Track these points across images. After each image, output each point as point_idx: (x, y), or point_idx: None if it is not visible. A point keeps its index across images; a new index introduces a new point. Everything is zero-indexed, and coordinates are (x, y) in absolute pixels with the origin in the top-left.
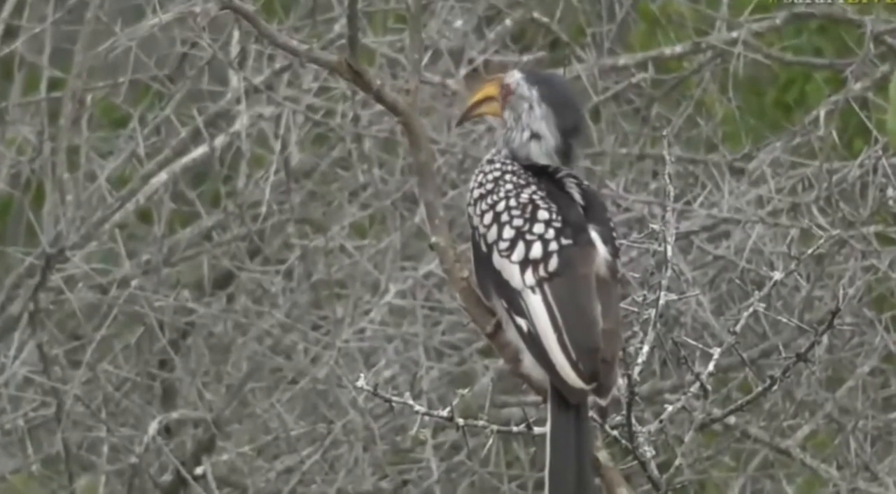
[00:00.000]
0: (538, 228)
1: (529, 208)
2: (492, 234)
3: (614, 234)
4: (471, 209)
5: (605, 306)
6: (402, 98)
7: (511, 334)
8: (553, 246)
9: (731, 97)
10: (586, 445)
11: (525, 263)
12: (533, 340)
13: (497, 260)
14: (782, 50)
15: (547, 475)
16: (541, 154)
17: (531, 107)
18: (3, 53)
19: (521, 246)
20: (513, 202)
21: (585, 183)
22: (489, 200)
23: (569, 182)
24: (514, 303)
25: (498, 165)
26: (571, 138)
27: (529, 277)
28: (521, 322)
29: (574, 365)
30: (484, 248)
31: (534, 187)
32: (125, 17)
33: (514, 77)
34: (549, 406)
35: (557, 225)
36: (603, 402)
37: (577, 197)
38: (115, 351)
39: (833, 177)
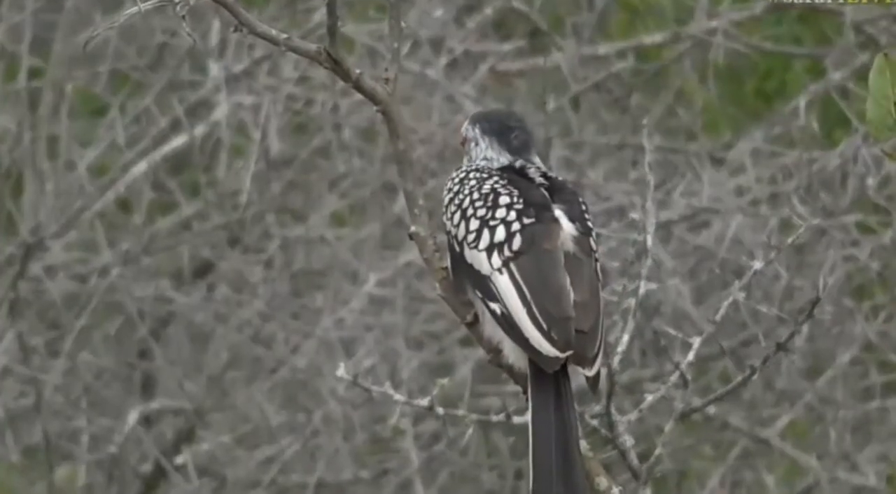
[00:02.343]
0: (500, 213)
1: (491, 196)
2: (461, 230)
3: (586, 215)
4: (444, 216)
5: (576, 279)
6: (382, 87)
7: (488, 326)
8: (515, 226)
9: (710, 86)
10: (570, 431)
11: (491, 248)
12: (506, 320)
13: (468, 253)
14: (762, 39)
15: (530, 461)
16: (492, 160)
17: (476, 143)
18: None
19: (486, 233)
20: (476, 195)
21: (551, 173)
22: (456, 200)
23: (531, 169)
24: (486, 290)
25: (463, 167)
26: (521, 155)
27: (496, 260)
28: (495, 306)
29: (546, 335)
30: (457, 247)
31: (496, 177)
32: (104, 6)
33: (464, 125)
34: (529, 393)
35: (519, 206)
36: (588, 373)
37: (541, 180)
38: (94, 341)
39: (813, 167)
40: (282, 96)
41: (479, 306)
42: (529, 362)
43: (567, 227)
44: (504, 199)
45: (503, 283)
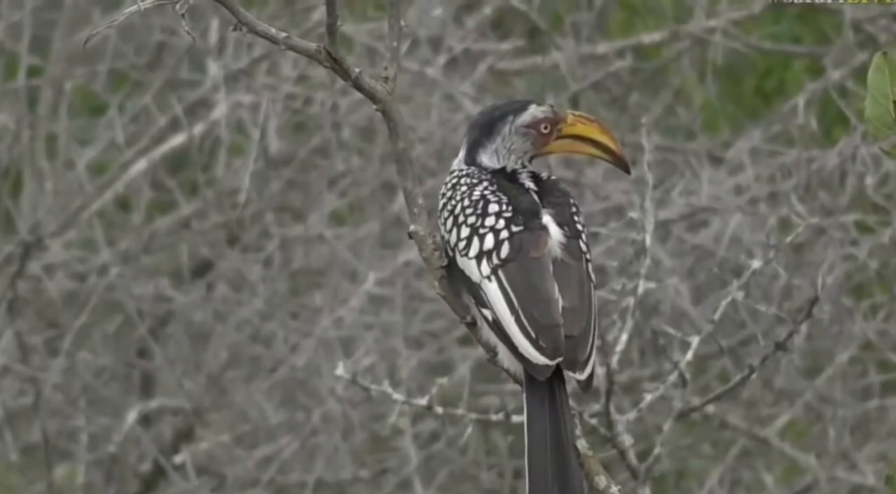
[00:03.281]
0: (489, 221)
1: (481, 204)
2: (453, 237)
3: (576, 218)
4: (439, 220)
5: (564, 285)
6: (381, 86)
7: (484, 330)
8: (504, 234)
9: (709, 85)
10: (564, 433)
11: (480, 256)
12: (497, 326)
13: (460, 260)
14: (761, 38)
15: (526, 463)
16: (459, 161)
17: None
18: None
19: (475, 241)
20: (466, 202)
21: (545, 174)
22: (449, 206)
23: (523, 174)
24: (478, 296)
25: (455, 172)
26: (470, 154)
27: (485, 267)
28: (486, 312)
29: (534, 343)
30: (450, 252)
31: (485, 183)
32: (103, 4)
33: None
34: (524, 395)
35: (508, 214)
36: (580, 377)
37: (531, 185)
38: (93, 340)
39: (812, 166)
40: (281, 95)
41: (474, 311)
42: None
43: (555, 234)
44: (493, 207)
45: (492, 291)
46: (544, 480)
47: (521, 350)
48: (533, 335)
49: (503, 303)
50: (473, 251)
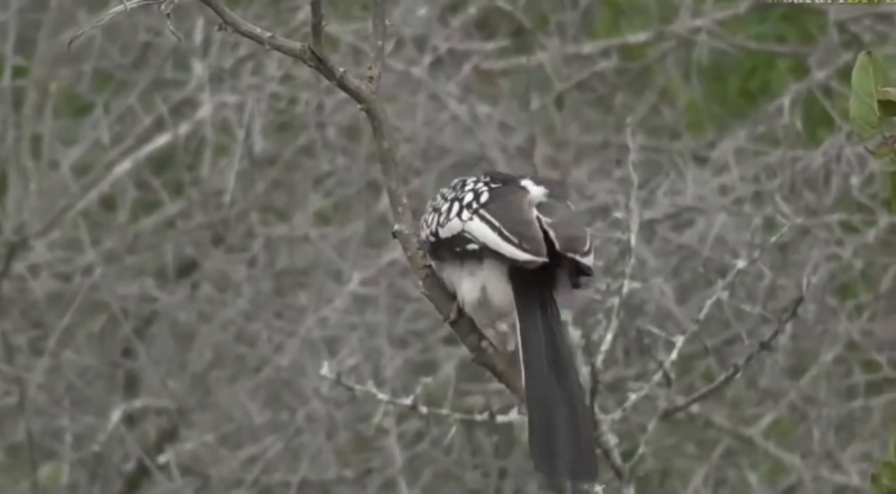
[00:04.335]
0: (468, 187)
1: (460, 185)
2: (434, 220)
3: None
4: (423, 215)
5: (549, 213)
6: (366, 85)
7: (464, 284)
8: (483, 188)
9: (694, 85)
10: (559, 337)
11: (461, 210)
12: (485, 247)
13: (440, 231)
14: (746, 38)
15: (521, 366)
16: None
17: None
18: None
19: (455, 205)
20: (449, 194)
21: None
22: (434, 205)
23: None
24: (461, 240)
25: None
26: None
27: (466, 215)
28: (471, 246)
29: (518, 246)
30: (432, 238)
31: (475, 177)
32: (89, 4)
33: None
34: (515, 306)
35: (486, 179)
36: (586, 261)
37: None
38: (78, 340)
39: (796, 165)
40: (266, 95)
41: (455, 277)
42: (511, 281)
43: (535, 191)
44: (470, 185)
45: (475, 226)
46: (542, 380)
47: (505, 252)
48: (516, 241)
49: (486, 228)
50: (454, 212)
